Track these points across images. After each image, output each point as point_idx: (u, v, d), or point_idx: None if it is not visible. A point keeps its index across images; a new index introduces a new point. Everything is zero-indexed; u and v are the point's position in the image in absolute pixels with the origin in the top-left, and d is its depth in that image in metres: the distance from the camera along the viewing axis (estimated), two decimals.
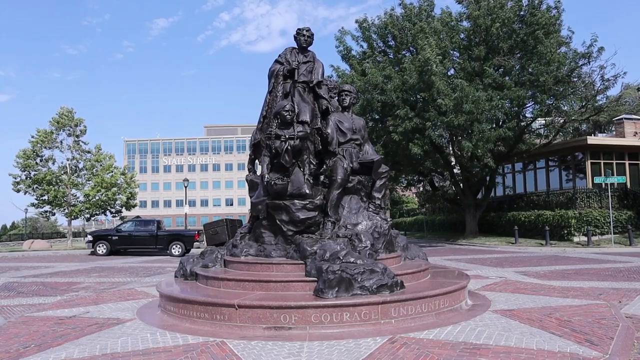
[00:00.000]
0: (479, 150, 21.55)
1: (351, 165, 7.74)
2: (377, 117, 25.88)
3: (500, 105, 21.18)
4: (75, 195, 31.52)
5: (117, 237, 24.38)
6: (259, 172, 8.08)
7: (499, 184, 32.45)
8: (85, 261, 20.81)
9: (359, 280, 6.16)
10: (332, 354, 4.98)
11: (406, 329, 5.83)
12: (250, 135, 8.62)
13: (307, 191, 7.39)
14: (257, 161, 8.42)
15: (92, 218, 32.55)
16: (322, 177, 8.14)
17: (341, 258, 6.53)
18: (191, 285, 7.71)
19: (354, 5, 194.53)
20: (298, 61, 8.24)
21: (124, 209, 33.33)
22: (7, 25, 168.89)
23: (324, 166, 8.22)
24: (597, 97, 23.63)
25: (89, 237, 25.31)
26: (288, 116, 7.41)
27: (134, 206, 34.34)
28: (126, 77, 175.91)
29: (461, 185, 28.44)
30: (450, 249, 23.47)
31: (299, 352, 5.09)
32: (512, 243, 23.10)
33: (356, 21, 27.05)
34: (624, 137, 30.07)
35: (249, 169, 8.76)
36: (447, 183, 31.79)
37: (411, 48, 25.30)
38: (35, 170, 29.85)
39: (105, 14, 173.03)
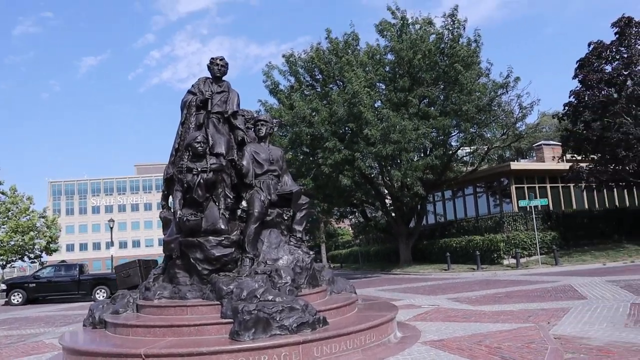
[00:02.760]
0: (408, 179, 21.84)
1: (269, 198, 7.34)
2: (306, 150, 25.84)
3: (426, 134, 21.66)
4: None
5: (34, 284, 22.55)
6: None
7: (430, 212, 33.03)
8: None
9: (277, 319, 5.68)
10: None
11: None
12: (164, 171, 8.06)
13: (223, 227, 6.90)
14: (170, 197, 7.86)
15: (9, 264, 30.08)
16: (239, 212, 7.66)
17: (258, 296, 6.04)
18: (99, 335, 6.93)
19: (284, 43, 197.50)
20: (212, 91, 7.84)
21: (44, 254, 31.08)
22: None
23: (242, 200, 7.77)
24: (517, 124, 24.78)
25: (2, 286, 23.29)
26: (200, 148, 6.95)
27: (55, 250, 32.10)
28: (52, 116, 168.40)
29: (393, 214, 28.67)
30: (385, 279, 23.35)
31: None
32: (445, 269, 23.31)
33: (283, 56, 27.22)
34: (544, 161, 31.59)
35: (162, 206, 8.15)
36: (379, 213, 32.02)
37: (338, 81, 25.63)
38: None
39: (30, 52, 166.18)
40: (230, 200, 7.37)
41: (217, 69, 7.97)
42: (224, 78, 8.13)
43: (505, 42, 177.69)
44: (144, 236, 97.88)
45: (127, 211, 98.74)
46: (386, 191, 28.25)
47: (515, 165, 28.13)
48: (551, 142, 35.70)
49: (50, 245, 30.95)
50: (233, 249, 6.92)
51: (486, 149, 25.78)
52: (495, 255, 23.00)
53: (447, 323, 7.99)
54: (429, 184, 25.48)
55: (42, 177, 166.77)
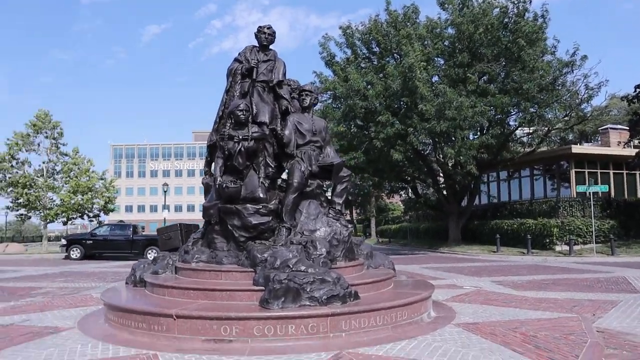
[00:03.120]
0: (462, 157, 21.23)
1: (310, 169, 7.27)
2: (360, 123, 25.53)
3: (483, 112, 20.87)
4: (51, 199, 30.75)
5: (91, 242, 23.76)
6: None
7: (483, 192, 32.18)
8: (56, 265, 20.15)
9: (307, 290, 5.68)
10: None
11: (357, 343, 5.36)
12: (208, 138, 8.13)
13: (261, 195, 6.92)
14: (213, 164, 7.94)
15: (70, 222, 31.76)
16: (279, 181, 7.65)
17: (291, 266, 6.05)
18: (138, 293, 7.21)
19: (345, 14, 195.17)
20: (258, 59, 7.79)
21: (102, 214, 32.58)
22: None
23: (284, 170, 7.75)
24: (582, 106, 23.43)
25: (63, 241, 24.65)
26: (242, 116, 6.95)
27: (112, 210, 33.60)
28: (117, 82, 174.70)
29: (444, 192, 28.11)
30: (432, 257, 23.07)
31: None
32: (494, 252, 22.73)
33: (340, 27, 26.72)
34: (609, 146, 29.95)
35: (205, 172, 8.25)
36: (430, 190, 31.45)
37: (395, 54, 25.01)
38: (10, 173, 29.10)
39: (97, 20, 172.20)
40: (271, 169, 7.38)
41: (264, 37, 7.90)
42: (271, 47, 8.07)
43: (577, 17, 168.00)
44: (198, 201, 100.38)
45: (184, 176, 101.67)
46: (439, 168, 27.65)
47: (576, 149, 26.79)
48: (619, 126, 33.69)
49: (108, 205, 32.36)
50: (270, 218, 6.94)
51: (546, 131, 24.62)
52: (548, 240, 22.18)
53: (485, 306, 7.77)
54: (484, 163, 24.72)
55: (105, 141, 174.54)
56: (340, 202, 7.56)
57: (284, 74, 7.87)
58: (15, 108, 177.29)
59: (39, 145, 30.27)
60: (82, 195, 30.19)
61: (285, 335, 5.41)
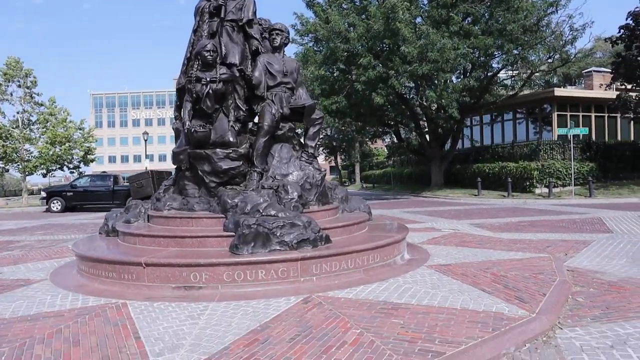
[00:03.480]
0: (444, 101, 20.98)
1: (281, 111, 7.06)
2: (342, 67, 25.02)
3: (466, 54, 20.47)
4: (29, 151, 30.08)
5: (72, 193, 23.39)
6: None
7: (467, 136, 32.15)
8: (37, 218, 19.93)
9: (278, 234, 5.60)
10: (234, 316, 4.47)
11: (327, 287, 5.34)
12: (176, 81, 7.81)
13: (231, 139, 6.72)
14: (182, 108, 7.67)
15: (50, 174, 31.23)
16: (251, 125, 7.44)
17: (261, 211, 5.95)
18: (110, 243, 7.09)
19: None
20: None
21: (82, 165, 32.05)
22: None
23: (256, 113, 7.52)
24: (566, 48, 23.05)
25: (43, 194, 24.32)
26: (209, 57, 6.63)
27: (92, 161, 33.03)
28: (94, 27, 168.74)
29: (427, 136, 28.03)
30: (414, 201, 23.23)
31: (200, 314, 4.57)
32: (475, 195, 22.94)
33: None
34: (592, 89, 29.83)
35: (175, 117, 7.99)
36: (413, 135, 31.34)
37: None
38: None
39: None
40: (242, 112, 7.15)
41: None
42: None
43: None
44: None
45: (167, 125, 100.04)
46: (421, 112, 27.43)
47: (559, 92, 26.62)
48: (603, 69, 33.47)
49: (88, 156, 31.79)
50: (241, 162, 6.78)
51: (529, 73, 24.34)
52: (528, 183, 22.38)
53: (459, 248, 7.82)
54: (466, 107, 24.52)
55: (85, 90, 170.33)
56: (313, 145, 7.40)
57: (254, 13, 7.50)
58: None
59: (11, 94, 29.28)
60: (60, 146, 29.54)
61: (255, 280, 5.37)
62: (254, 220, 5.64)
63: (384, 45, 22.50)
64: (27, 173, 29.68)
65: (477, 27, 22.16)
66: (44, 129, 29.73)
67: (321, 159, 72.24)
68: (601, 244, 8.31)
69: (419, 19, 23.46)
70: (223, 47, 7.12)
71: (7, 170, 30.33)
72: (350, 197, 8.27)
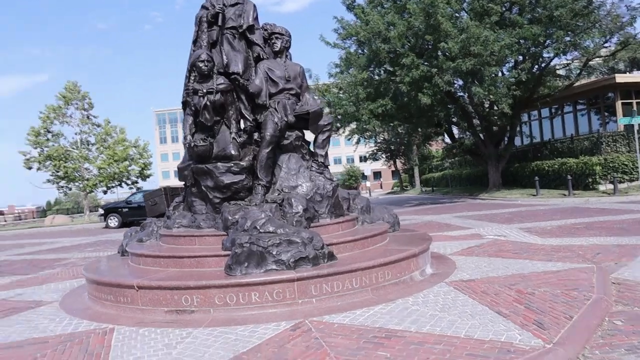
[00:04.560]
0: (492, 97, 19.82)
1: (285, 120, 6.64)
2: (389, 69, 24.24)
3: (511, 45, 19.22)
4: (89, 169, 31.41)
5: (127, 209, 24.13)
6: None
7: (525, 133, 30.48)
8: (94, 235, 20.59)
9: (274, 253, 5.18)
10: (212, 345, 4.10)
11: (327, 309, 4.85)
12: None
13: (233, 152, 6.37)
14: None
15: (109, 190, 32.50)
16: (256, 135, 7.07)
17: (258, 228, 5.54)
18: (120, 264, 6.92)
19: None
20: (224, 4, 7.09)
21: (139, 180, 33.09)
22: (36, 4, 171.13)
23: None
24: (625, 30, 21.17)
25: (101, 211, 25.21)
26: (204, 67, 6.33)
27: (149, 177, 34.05)
28: (156, 47, 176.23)
29: (481, 135, 26.74)
30: (470, 204, 22.14)
31: (179, 343, 4.24)
32: (534, 195, 21.54)
33: None
34: None
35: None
36: (466, 134, 30.02)
37: None
38: (47, 147, 29.79)
39: None
40: (249, 123, 6.82)
41: None
42: None
43: None
44: None
45: None
46: (472, 110, 26.22)
47: (621, 78, 24.48)
48: None
49: (144, 171, 32.79)
50: (244, 176, 6.41)
51: (585, 60, 22.62)
52: (590, 180, 20.71)
53: (492, 259, 7.07)
54: (520, 101, 23.16)
55: (149, 107, 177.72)
56: (323, 153, 6.95)
57: (255, 18, 7.16)
58: (61, 83, 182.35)
59: (71, 117, 30.74)
60: (119, 164, 30.63)
61: (249, 303, 4.97)
62: (247, 238, 5.25)
63: (426, 42, 21.63)
64: (87, 191, 31.00)
65: (522, 17, 20.84)
66: (102, 148, 30.96)
67: (380, 163, 71.28)
68: None
69: (464, 15, 22.42)
70: (224, 56, 6.82)
71: (70, 189, 31.84)
72: (373, 207, 7.74)
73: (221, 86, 6.38)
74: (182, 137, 7.30)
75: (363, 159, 71.06)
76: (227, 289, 4.96)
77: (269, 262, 5.16)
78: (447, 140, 34.20)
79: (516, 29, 19.76)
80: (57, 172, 29.92)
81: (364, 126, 23.94)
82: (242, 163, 6.39)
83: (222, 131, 6.56)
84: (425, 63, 20.94)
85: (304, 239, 5.34)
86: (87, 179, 30.68)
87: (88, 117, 30.83)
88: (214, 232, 6.19)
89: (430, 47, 21.71)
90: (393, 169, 67.02)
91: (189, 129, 6.56)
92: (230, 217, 5.95)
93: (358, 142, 38.70)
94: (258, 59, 6.96)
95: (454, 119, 27.18)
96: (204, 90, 6.33)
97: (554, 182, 22.67)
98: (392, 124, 27.45)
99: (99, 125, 31.48)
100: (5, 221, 42.68)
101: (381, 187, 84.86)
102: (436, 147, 58.50)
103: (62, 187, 31.25)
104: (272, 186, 6.54)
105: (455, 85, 23.16)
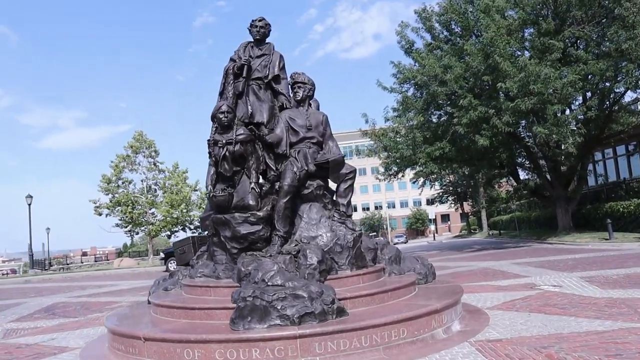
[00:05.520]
0: (555, 136, 18.84)
1: (305, 169, 6.51)
2: (449, 110, 23.80)
3: (574, 82, 18.33)
4: (154, 214, 32.71)
5: (185, 253, 24.68)
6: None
7: (592, 172, 28.68)
8: (152, 278, 21.09)
9: (278, 307, 4.95)
10: None
11: None
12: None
13: (251, 202, 6.29)
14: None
15: (173, 235, 33.56)
16: (277, 185, 6.98)
17: (266, 280, 5.35)
18: (143, 312, 6.93)
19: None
20: (251, 55, 7.22)
21: None
22: (119, 57, 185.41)
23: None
24: None
25: (162, 254, 25.95)
26: (224, 118, 6.40)
27: None
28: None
29: (548, 176, 25.39)
30: (535, 249, 20.83)
31: None
32: (606, 239, 19.96)
33: (415, 11, 25.19)
34: None
35: None
36: (532, 175, 28.65)
37: (475, 32, 23.04)
38: (116, 193, 31.41)
39: (208, 40, 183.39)
40: (274, 173, 6.77)
41: (256, 31, 7.39)
42: (267, 40, 7.51)
43: None
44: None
45: None
46: (538, 150, 25.05)
47: None
48: None
49: None
50: (261, 227, 6.29)
51: None
52: None
53: (532, 314, 6.45)
54: (591, 139, 21.86)
55: None
56: (345, 202, 6.70)
57: (282, 68, 7.23)
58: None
59: (139, 164, 32.41)
60: (178, 209, 31.71)
61: None
62: (251, 292, 5.07)
63: (485, 83, 21.11)
64: (152, 235, 32.18)
65: (586, 52, 19.91)
66: (167, 194, 32.26)
67: (446, 206, 69.47)
68: None
69: (526, 53, 21.80)
70: (249, 107, 6.89)
71: (137, 233, 33.20)
72: (404, 257, 7.36)
73: (240, 137, 6.39)
74: (203, 187, 7.35)
75: (430, 201, 69.55)
76: (228, 344, 4.78)
77: (273, 317, 4.94)
78: (508, 181, 32.87)
79: (581, 65, 18.87)
80: (125, 217, 31.37)
81: (421, 169, 23.45)
82: (259, 213, 6.29)
83: (242, 181, 6.53)
84: (483, 104, 20.37)
85: (311, 293, 5.09)
86: (152, 224, 31.90)
87: (155, 164, 32.36)
88: (229, 284, 6.07)
89: (488, 87, 21.16)
90: (461, 211, 65.15)
91: (210, 179, 6.59)
92: (243, 269, 5.83)
93: (423, 184, 37.99)
94: (282, 108, 6.97)
95: (518, 160, 26.04)
96: (224, 141, 6.36)
97: (630, 225, 20.95)
98: (451, 167, 26.71)
99: (163, 171, 32.96)
100: (82, 262, 44.96)
101: (449, 230, 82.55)
102: (504, 189, 56.43)
103: (129, 231, 32.69)
104: (292, 236, 6.38)
105: (519, 125, 22.27)
